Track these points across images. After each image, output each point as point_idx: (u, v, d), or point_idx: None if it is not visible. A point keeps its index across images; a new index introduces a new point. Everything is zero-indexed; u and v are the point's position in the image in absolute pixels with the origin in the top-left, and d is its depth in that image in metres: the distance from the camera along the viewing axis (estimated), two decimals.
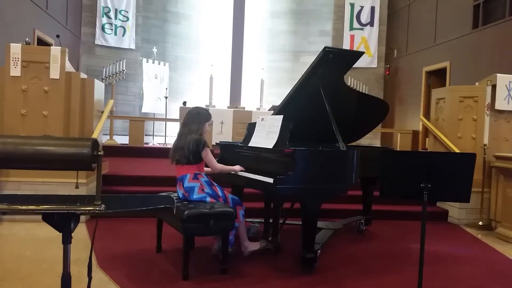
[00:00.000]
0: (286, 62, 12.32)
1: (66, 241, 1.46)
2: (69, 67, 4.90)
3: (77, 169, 1.50)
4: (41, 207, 1.31)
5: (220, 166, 3.54)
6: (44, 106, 4.63)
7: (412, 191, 2.54)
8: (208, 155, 3.39)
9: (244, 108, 10.16)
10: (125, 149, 8.19)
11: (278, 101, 9.77)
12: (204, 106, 6.78)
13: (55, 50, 4.67)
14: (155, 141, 10.26)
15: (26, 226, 4.22)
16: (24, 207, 1.28)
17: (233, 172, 3.60)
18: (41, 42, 7.74)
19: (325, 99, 3.62)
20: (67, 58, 4.75)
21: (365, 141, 4.76)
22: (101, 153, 1.43)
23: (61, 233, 1.50)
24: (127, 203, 1.56)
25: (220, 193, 3.40)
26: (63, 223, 1.42)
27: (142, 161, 7.24)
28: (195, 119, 3.43)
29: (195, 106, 3.76)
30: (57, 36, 6.13)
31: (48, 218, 1.39)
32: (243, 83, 11.28)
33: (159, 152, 8.23)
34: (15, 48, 4.56)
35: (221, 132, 9.06)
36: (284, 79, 11.92)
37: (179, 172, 3.39)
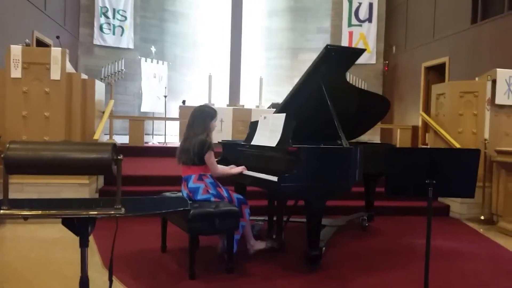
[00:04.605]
0: (284, 60, 12.32)
1: (84, 244, 1.47)
2: (69, 68, 4.90)
3: (98, 174, 1.51)
4: (62, 212, 1.31)
5: (221, 170, 3.47)
6: (45, 107, 4.63)
7: (417, 188, 2.54)
8: (210, 158, 3.31)
9: (243, 106, 10.16)
10: (125, 149, 8.15)
11: (276, 99, 9.86)
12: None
13: (56, 51, 4.67)
14: (154, 140, 10.25)
15: (30, 227, 4.21)
16: (46, 212, 1.28)
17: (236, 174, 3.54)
18: (40, 43, 7.72)
19: (327, 96, 3.63)
20: (67, 59, 4.75)
21: (364, 137, 4.77)
22: (121, 157, 1.43)
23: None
24: (143, 205, 1.56)
25: (225, 194, 3.38)
26: (82, 227, 1.42)
27: (142, 161, 7.24)
28: (199, 119, 3.38)
29: (199, 105, 3.63)
30: (57, 37, 6.12)
31: (68, 222, 1.39)
32: (242, 81, 11.28)
33: (159, 151, 8.26)
34: (16, 50, 4.56)
35: (221, 130, 9.06)
36: (282, 77, 11.93)
37: (184, 172, 3.38)
